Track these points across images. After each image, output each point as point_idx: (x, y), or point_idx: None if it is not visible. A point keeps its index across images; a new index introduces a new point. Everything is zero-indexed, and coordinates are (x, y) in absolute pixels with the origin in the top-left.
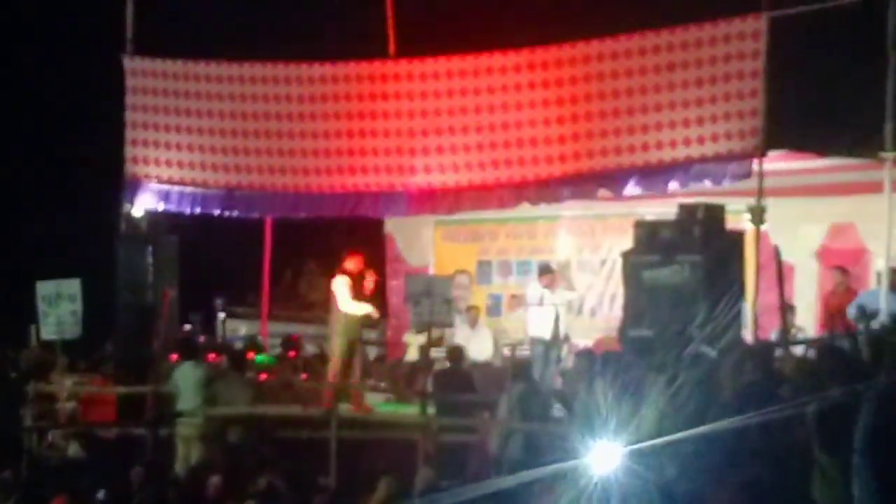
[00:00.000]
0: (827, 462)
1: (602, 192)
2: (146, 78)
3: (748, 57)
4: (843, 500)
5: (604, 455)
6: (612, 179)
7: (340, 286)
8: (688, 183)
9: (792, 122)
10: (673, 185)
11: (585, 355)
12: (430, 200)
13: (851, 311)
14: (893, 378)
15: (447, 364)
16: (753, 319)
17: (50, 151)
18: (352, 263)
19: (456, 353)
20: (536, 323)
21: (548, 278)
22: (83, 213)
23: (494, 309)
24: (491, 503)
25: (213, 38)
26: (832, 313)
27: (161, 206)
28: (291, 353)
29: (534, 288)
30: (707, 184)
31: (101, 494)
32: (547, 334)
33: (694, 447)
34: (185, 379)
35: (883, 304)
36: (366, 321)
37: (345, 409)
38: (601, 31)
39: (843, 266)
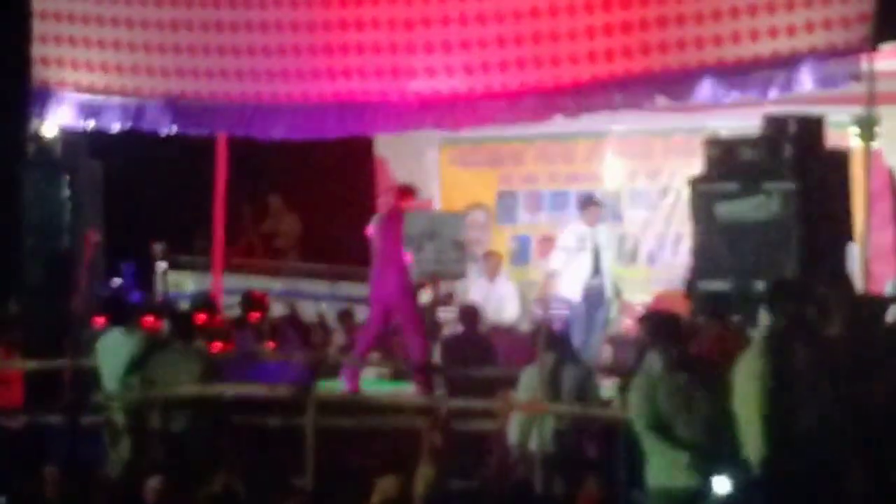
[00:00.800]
0: None
1: (662, 99)
2: None
3: None
4: None
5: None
6: (675, 82)
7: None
8: (775, 87)
9: None
10: (756, 91)
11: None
12: (433, 111)
13: None
14: None
15: (459, 328)
16: (863, 265)
17: None
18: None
19: (470, 315)
20: (576, 274)
21: (591, 213)
22: None
23: (521, 255)
24: None
25: None
26: None
27: (81, 123)
28: (254, 315)
29: (572, 229)
30: (802, 88)
31: (2, 501)
32: (588, 287)
33: None
34: (114, 350)
35: None
36: None
37: (326, 387)
38: None
39: None
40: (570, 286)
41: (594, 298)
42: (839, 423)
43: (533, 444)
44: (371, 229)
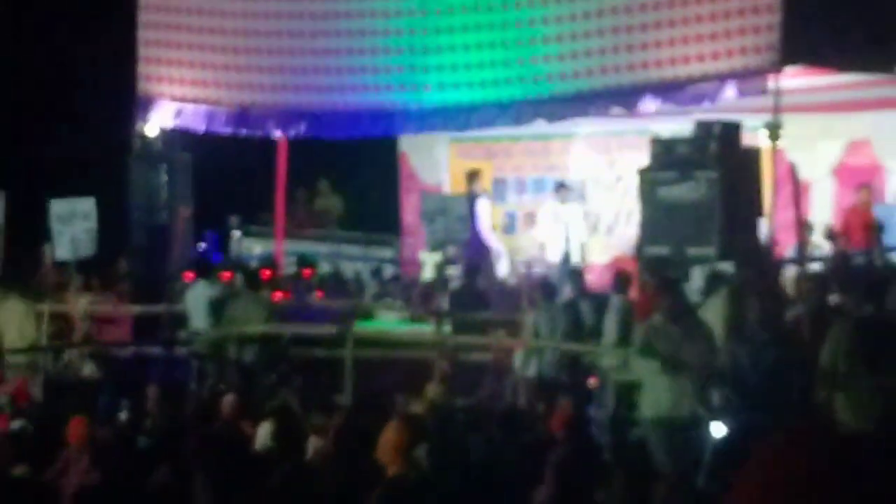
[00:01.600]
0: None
1: (617, 109)
2: None
3: None
4: None
5: None
6: (626, 96)
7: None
8: (703, 99)
9: (809, 38)
10: (688, 102)
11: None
12: (442, 116)
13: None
14: None
15: (463, 281)
16: (770, 236)
17: (63, 70)
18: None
19: (472, 271)
20: (556, 242)
21: (562, 195)
22: (97, 131)
23: (510, 227)
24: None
25: None
26: (852, 229)
27: (174, 124)
28: (306, 272)
29: (549, 206)
30: (723, 99)
31: (122, 414)
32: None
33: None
34: (198, 298)
35: None
36: None
37: (361, 327)
38: None
39: (867, 182)
40: (553, 251)
41: (565, 259)
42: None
43: (530, 371)
44: None
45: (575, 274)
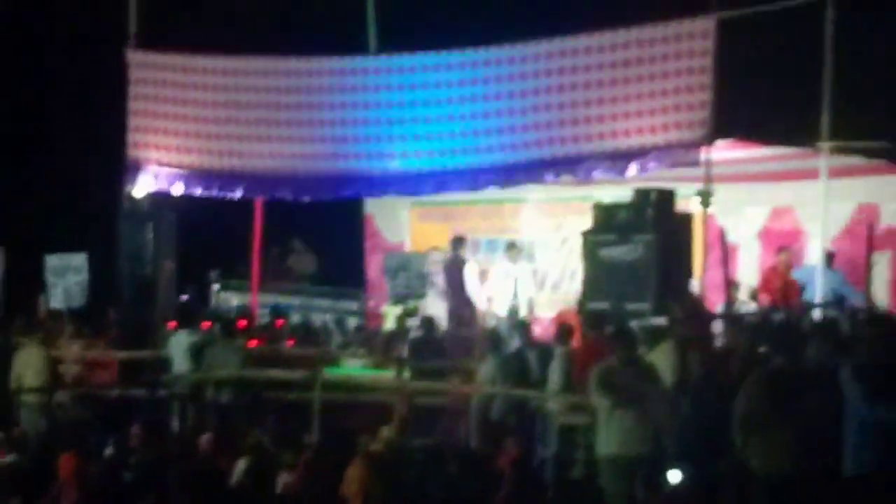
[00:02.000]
0: None
1: (563, 177)
2: (148, 70)
3: (698, 54)
4: None
5: None
6: (572, 165)
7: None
8: (642, 168)
9: (737, 114)
10: (628, 171)
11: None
12: (406, 183)
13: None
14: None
15: (421, 332)
16: (701, 294)
17: (58, 137)
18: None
19: (429, 323)
20: (504, 297)
21: (512, 254)
22: (89, 192)
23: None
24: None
25: (209, 34)
26: (773, 289)
27: (160, 187)
28: (279, 322)
29: (500, 265)
30: (659, 169)
31: (108, 450)
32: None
33: None
34: (180, 345)
35: (818, 281)
36: None
37: (328, 372)
38: (562, 29)
39: (787, 246)
40: (502, 306)
41: (514, 313)
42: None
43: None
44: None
45: (522, 326)
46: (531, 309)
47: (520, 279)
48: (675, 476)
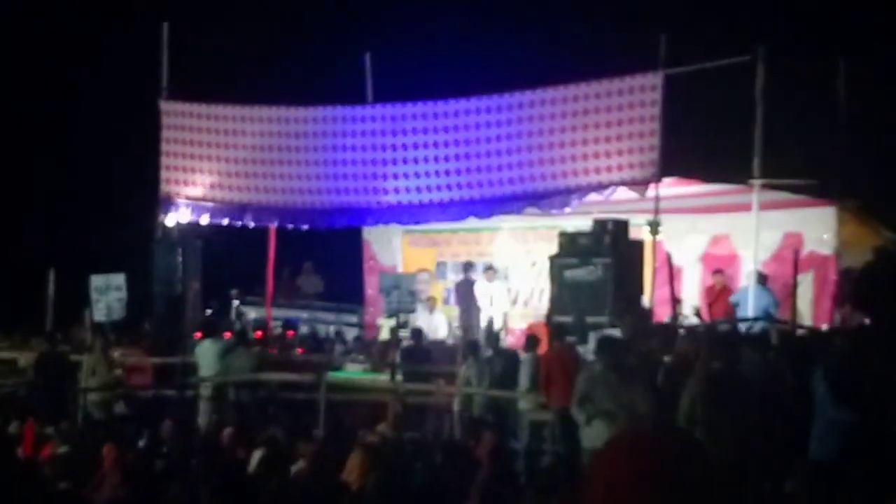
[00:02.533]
0: None
1: (532, 209)
2: (177, 117)
3: (647, 105)
4: None
5: None
6: (540, 199)
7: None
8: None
9: (682, 155)
10: (585, 203)
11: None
12: (398, 214)
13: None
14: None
15: (411, 341)
16: (650, 308)
17: (103, 176)
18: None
19: (417, 333)
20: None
21: (489, 275)
22: (128, 223)
23: (448, 299)
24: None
25: (231, 85)
26: (710, 304)
27: (188, 218)
28: (290, 333)
29: (479, 284)
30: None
31: (141, 442)
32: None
33: None
34: (206, 352)
35: (750, 300)
36: None
37: (332, 376)
38: (533, 82)
39: (721, 269)
40: (481, 319)
41: (490, 325)
42: None
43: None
44: None
45: (493, 337)
46: (506, 322)
47: (495, 296)
48: None
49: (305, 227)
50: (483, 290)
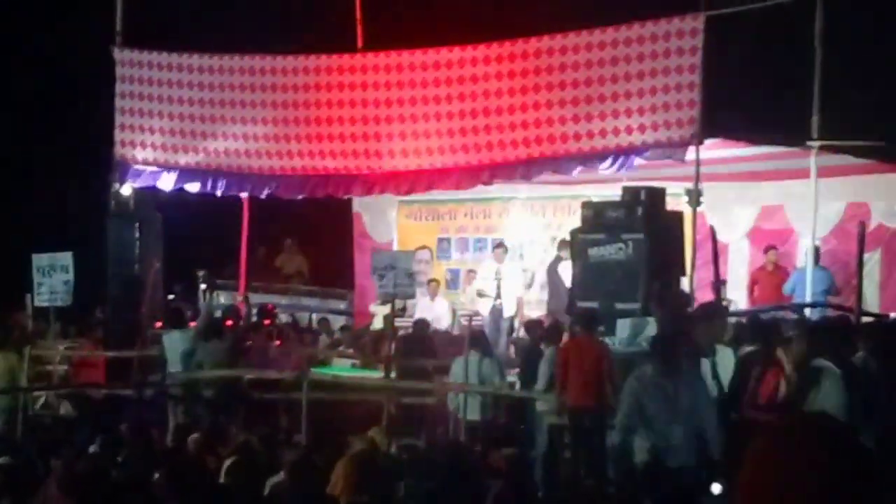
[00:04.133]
0: None
1: (548, 175)
2: (133, 68)
3: (686, 52)
4: None
5: None
6: (560, 164)
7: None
8: (630, 165)
9: (727, 113)
10: (615, 169)
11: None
12: (393, 182)
13: (787, 288)
14: None
15: (410, 331)
16: (690, 293)
17: (44, 136)
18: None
19: (421, 325)
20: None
21: (498, 254)
22: (75, 191)
23: (452, 283)
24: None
25: (194, 31)
26: (759, 287)
27: (146, 184)
28: (266, 322)
29: (487, 265)
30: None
31: (94, 448)
32: (493, 306)
33: None
34: (174, 344)
35: (808, 282)
36: None
37: (316, 372)
38: (553, 27)
39: (774, 245)
40: (486, 305)
41: (496, 314)
42: None
43: (468, 414)
44: None
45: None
46: (518, 308)
47: (505, 278)
48: (717, 489)
49: (284, 196)
50: (492, 271)
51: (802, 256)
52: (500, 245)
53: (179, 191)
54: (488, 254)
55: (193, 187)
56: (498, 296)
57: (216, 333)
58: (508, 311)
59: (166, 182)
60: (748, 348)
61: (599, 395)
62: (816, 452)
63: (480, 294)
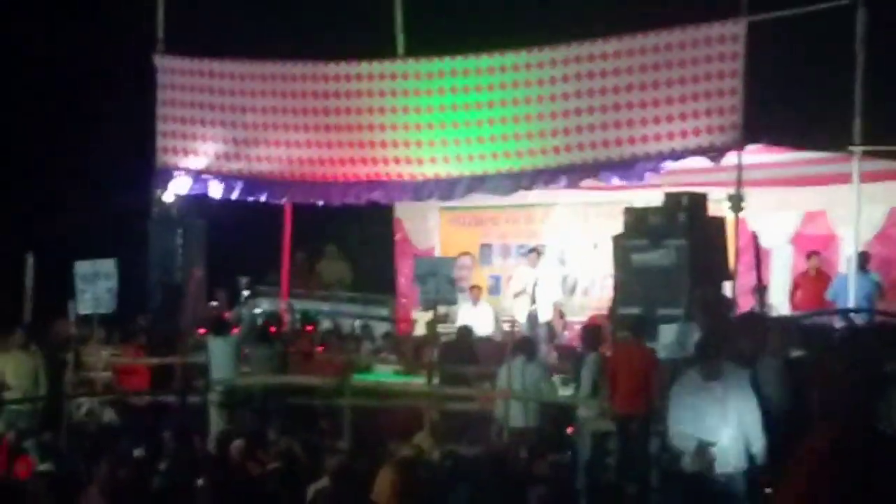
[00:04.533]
0: None
1: (592, 181)
2: (175, 75)
3: (728, 58)
4: None
5: None
6: (601, 170)
7: None
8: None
9: (769, 118)
10: (655, 175)
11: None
12: (435, 188)
13: (829, 294)
14: None
15: (452, 338)
16: (733, 298)
17: (87, 143)
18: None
19: (465, 333)
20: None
21: (532, 259)
22: (118, 198)
23: (495, 288)
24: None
25: (236, 39)
26: (802, 293)
27: (189, 191)
28: (308, 328)
29: (521, 270)
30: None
31: (137, 452)
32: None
33: None
34: (219, 351)
35: (851, 288)
36: None
37: (359, 379)
38: (592, 33)
39: (817, 251)
40: (521, 310)
41: (532, 320)
42: None
43: (512, 421)
44: None
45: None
46: (556, 314)
47: (540, 283)
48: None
49: (327, 203)
50: (525, 277)
51: (844, 262)
52: (533, 250)
53: (222, 198)
54: (521, 260)
55: (238, 194)
56: (533, 301)
57: (263, 340)
58: (544, 317)
59: (213, 190)
60: (796, 353)
61: (647, 401)
62: (867, 466)
63: (516, 295)
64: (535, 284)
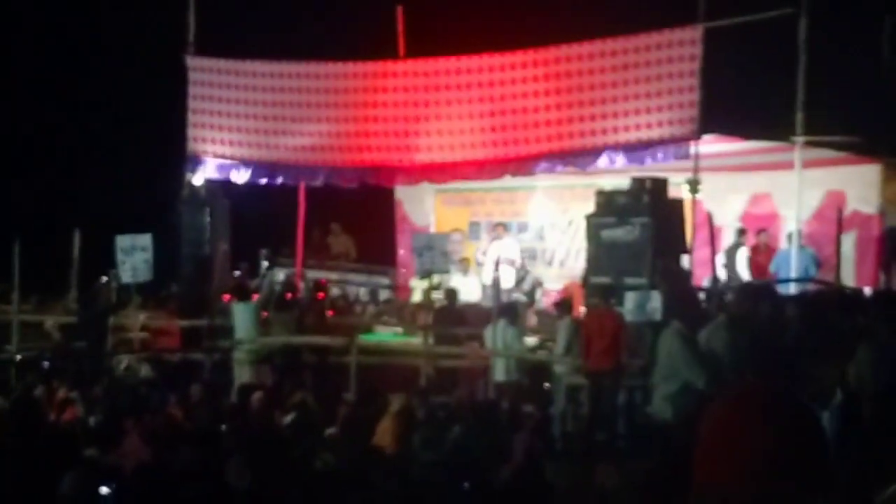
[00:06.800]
0: None
1: (566, 168)
2: (204, 73)
3: (686, 59)
4: None
5: None
6: (576, 158)
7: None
8: (639, 160)
9: (722, 112)
10: (625, 163)
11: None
12: (430, 173)
13: (771, 267)
14: None
15: (444, 303)
16: (689, 269)
17: (128, 135)
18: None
19: (451, 294)
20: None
21: (498, 230)
22: (155, 182)
23: (480, 260)
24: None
25: (258, 41)
26: (754, 264)
27: (216, 176)
28: (320, 295)
29: (487, 244)
30: (655, 161)
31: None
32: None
33: None
34: (242, 315)
35: (794, 261)
36: None
37: (364, 339)
38: (569, 36)
39: (765, 228)
40: (486, 278)
41: (496, 285)
42: None
43: (498, 375)
44: None
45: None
46: (540, 282)
47: (503, 255)
48: None
49: (335, 185)
50: (494, 248)
51: (785, 239)
52: (498, 224)
53: (246, 181)
54: (513, 235)
55: (258, 178)
56: (496, 269)
57: (281, 305)
58: (507, 283)
59: (238, 176)
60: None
61: (616, 359)
62: (767, 417)
63: (479, 263)
64: (498, 254)
